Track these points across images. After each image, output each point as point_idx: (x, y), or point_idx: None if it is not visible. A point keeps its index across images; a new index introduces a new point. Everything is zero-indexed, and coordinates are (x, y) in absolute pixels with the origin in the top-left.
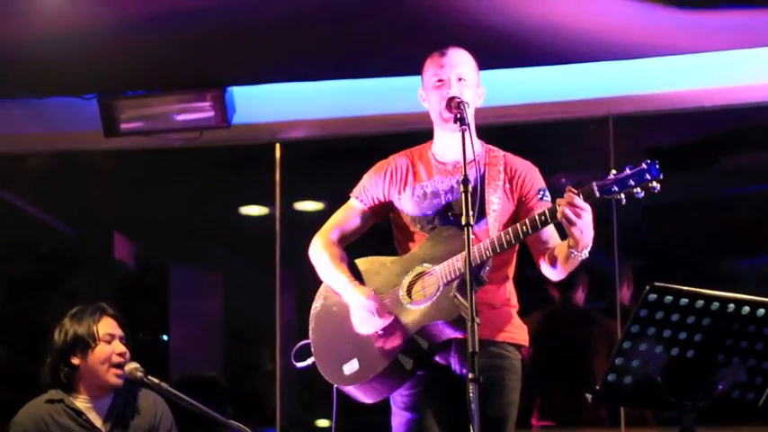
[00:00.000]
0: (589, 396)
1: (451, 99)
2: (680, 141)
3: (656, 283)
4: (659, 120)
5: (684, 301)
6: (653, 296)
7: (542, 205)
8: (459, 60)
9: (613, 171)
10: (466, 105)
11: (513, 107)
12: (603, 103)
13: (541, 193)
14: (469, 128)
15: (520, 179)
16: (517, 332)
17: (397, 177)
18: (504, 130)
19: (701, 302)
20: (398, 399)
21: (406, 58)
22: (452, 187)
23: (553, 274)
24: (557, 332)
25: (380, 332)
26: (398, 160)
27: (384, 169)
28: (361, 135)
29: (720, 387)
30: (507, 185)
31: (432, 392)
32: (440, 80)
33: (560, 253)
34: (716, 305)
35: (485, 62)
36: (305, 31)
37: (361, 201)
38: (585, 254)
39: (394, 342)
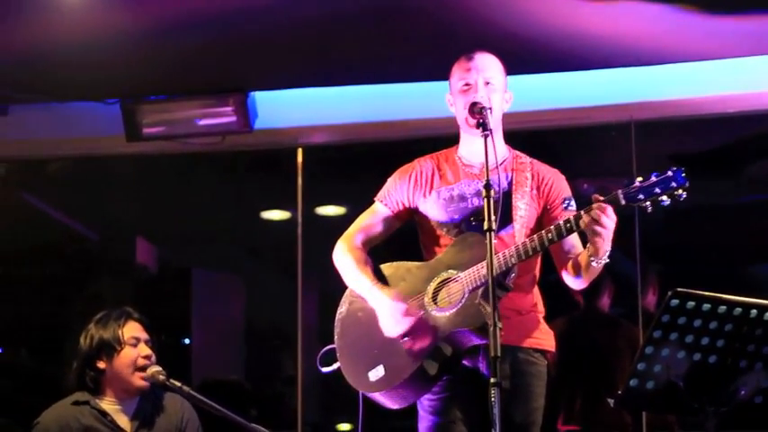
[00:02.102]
0: (611, 401)
1: (474, 104)
2: (703, 147)
3: (679, 289)
4: (682, 126)
5: (707, 306)
6: (675, 302)
7: (566, 214)
8: (487, 65)
9: (639, 178)
10: (488, 111)
11: (535, 113)
12: (626, 109)
13: (567, 202)
14: (492, 133)
15: (547, 186)
16: (544, 338)
17: (422, 181)
18: (525, 136)
19: (723, 308)
20: (426, 403)
21: (429, 64)
22: (479, 191)
23: (576, 283)
24: (582, 337)
25: (406, 338)
26: (424, 164)
27: (409, 173)
28: (384, 140)
29: (743, 393)
30: (534, 191)
31: (459, 397)
32: (467, 84)
33: (582, 261)
34: (738, 311)
35: (507, 68)
36: (327, 37)
37: (386, 204)
38: (606, 259)
39: (420, 349)
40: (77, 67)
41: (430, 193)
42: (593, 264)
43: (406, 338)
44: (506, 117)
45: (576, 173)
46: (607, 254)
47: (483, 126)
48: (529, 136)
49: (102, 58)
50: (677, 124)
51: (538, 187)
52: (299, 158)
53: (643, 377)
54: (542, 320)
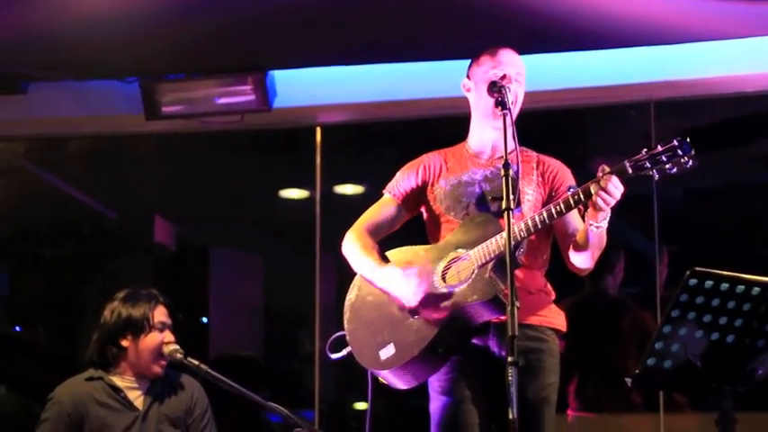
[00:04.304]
0: (628, 380)
1: (493, 83)
2: (722, 127)
3: (697, 268)
4: (701, 105)
5: (725, 286)
6: (693, 281)
7: None
8: (517, 61)
9: (645, 149)
10: (507, 89)
11: (555, 92)
12: (645, 89)
13: (572, 190)
14: (511, 112)
15: (551, 174)
16: (555, 317)
17: (430, 172)
18: (545, 115)
19: (741, 287)
20: (436, 383)
21: (449, 42)
22: (486, 176)
23: (581, 260)
24: (589, 319)
25: (417, 316)
26: (432, 157)
27: (417, 165)
28: (402, 119)
29: (760, 372)
30: (539, 178)
31: (469, 376)
32: (504, 76)
33: (581, 237)
34: (756, 290)
35: (527, 47)
36: (346, 15)
37: (394, 195)
38: (604, 224)
39: (430, 325)
40: (97, 46)
41: (438, 181)
42: (592, 228)
43: (416, 316)
44: (525, 96)
45: (594, 152)
46: (606, 219)
47: (502, 105)
48: (548, 115)
49: (122, 37)
50: (697, 104)
51: (542, 174)
52: (318, 137)
53: (660, 356)
54: (552, 302)
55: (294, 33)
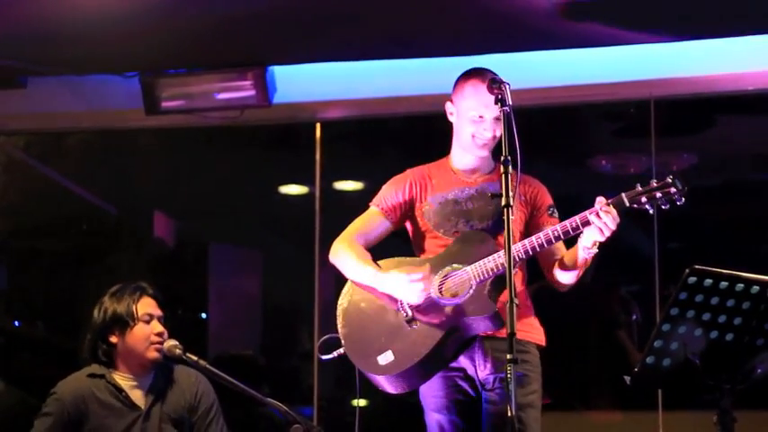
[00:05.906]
0: (627, 378)
1: (493, 79)
2: (721, 125)
3: (696, 266)
4: (701, 102)
5: (724, 284)
6: (692, 279)
7: (551, 221)
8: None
9: (639, 184)
10: (507, 86)
11: (554, 89)
12: (645, 86)
13: (551, 209)
14: (511, 110)
15: (532, 195)
16: (535, 332)
17: (417, 188)
18: (544, 112)
19: (740, 286)
20: (429, 400)
21: (449, 40)
22: (472, 195)
23: (568, 277)
24: (554, 309)
25: (415, 326)
26: (417, 173)
27: (404, 181)
28: (402, 115)
29: (759, 371)
30: (522, 197)
31: (459, 392)
32: (480, 116)
33: (569, 259)
34: (756, 289)
35: (527, 44)
36: (347, 11)
37: (382, 209)
38: (596, 249)
39: (430, 335)
40: (97, 41)
41: (425, 198)
42: (585, 253)
43: (414, 325)
44: (525, 93)
45: (594, 149)
46: (597, 245)
47: (502, 102)
48: (548, 112)
49: (122, 32)
50: (696, 101)
51: (524, 193)
52: (318, 133)
53: (659, 354)
54: (533, 316)
55: (294, 29)
